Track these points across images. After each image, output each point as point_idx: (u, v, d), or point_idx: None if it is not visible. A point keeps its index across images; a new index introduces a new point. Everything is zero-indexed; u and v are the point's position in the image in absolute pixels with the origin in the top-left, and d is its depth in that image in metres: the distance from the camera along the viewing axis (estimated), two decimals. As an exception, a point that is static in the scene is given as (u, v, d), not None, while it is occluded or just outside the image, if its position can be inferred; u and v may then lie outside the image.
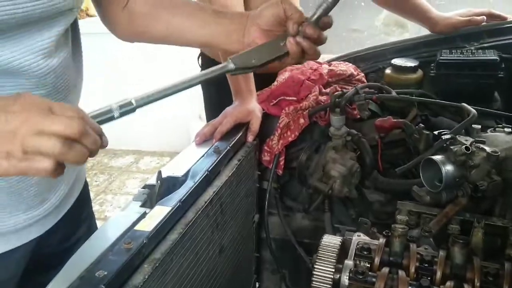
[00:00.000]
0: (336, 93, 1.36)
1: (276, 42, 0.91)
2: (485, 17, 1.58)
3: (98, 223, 1.26)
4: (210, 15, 1.01)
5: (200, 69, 1.81)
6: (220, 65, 0.88)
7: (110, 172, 3.96)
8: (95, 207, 3.38)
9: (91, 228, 1.20)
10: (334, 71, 1.47)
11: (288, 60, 0.92)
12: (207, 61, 1.74)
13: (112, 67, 3.87)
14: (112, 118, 0.72)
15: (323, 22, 0.88)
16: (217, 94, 1.72)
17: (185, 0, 1.06)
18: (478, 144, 1.03)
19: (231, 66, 0.88)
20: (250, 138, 1.28)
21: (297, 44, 0.88)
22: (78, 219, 1.15)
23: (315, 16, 0.87)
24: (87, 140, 0.62)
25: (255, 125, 1.29)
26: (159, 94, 0.79)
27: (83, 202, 1.16)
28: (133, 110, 0.75)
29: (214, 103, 1.77)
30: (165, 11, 1.03)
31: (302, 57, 0.91)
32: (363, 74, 1.53)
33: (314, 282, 0.91)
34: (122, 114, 0.73)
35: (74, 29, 0.99)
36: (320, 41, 0.89)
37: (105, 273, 0.73)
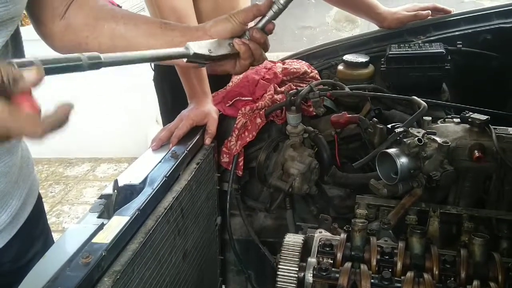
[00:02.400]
0: (291, 91, 1.37)
1: (226, 41, 0.95)
2: (430, 11, 1.63)
3: (56, 236, 1.22)
4: (158, 27, 1.00)
5: (153, 71, 1.78)
6: (178, 49, 0.87)
7: (65, 182, 3.84)
8: (52, 219, 3.27)
9: (47, 243, 1.16)
10: (288, 70, 1.48)
11: (241, 61, 0.96)
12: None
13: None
14: (80, 67, 0.68)
15: (268, 28, 0.96)
16: (172, 98, 1.70)
17: (128, 12, 1.04)
18: (430, 136, 1.06)
19: (190, 51, 0.87)
20: (207, 140, 1.27)
21: (244, 44, 0.93)
22: (33, 235, 1.11)
23: (262, 23, 0.95)
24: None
25: (212, 127, 1.28)
26: (125, 58, 0.76)
27: (37, 217, 1.12)
28: (99, 65, 0.71)
29: (169, 107, 1.75)
30: (107, 23, 1.00)
31: (251, 58, 0.95)
32: (316, 71, 1.55)
33: (278, 282, 0.91)
34: (90, 66, 0.69)
35: (15, 38, 0.95)
36: (265, 45, 0.97)
37: (64, 290, 0.71)
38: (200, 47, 0.89)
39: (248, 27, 0.96)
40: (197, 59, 0.89)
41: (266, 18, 0.95)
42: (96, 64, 0.70)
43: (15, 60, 0.60)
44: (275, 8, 0.94)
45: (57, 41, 1.03)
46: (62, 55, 0.67)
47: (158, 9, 1.41)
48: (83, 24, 1.00)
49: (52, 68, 0.65)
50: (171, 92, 1.68)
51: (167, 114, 1.80)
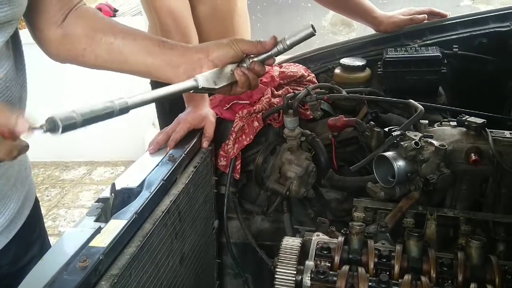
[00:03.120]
0: (288, 94, 1.38)
1: (227, 69, 0.98)
2: (426, 15, 1.64)
3: (52, 240, 1.22)
4: (156, 45, 1.00)
5: (150, 85, 1.77)
6: (187, 82, 0.91)
7: (62, 186, 3.83)
8: (48, 223, 3.26)
9: (44, 246, 1.16)
10: (285, 73, 1.49)
11: (237, 89, 1.00)
12: None
13: (60, 76, 3.74)
14: (112, 114, 0.73)
15: (268, 62, 1.00)
16: (169, 101, 1.70)
17: (127, 26, 1.04)
18: (427, 139, 1.06)
19: (199, 85, 0.91)
20: (205, 144, 1.27)
21: (244, 75, 0.97)
22: (30, 238, 1.11)
23: (263, 56, 0.98)
24: None
25: (209, 131, 1.28)
26: (146, 99, 0.80)
27: (34, 220, 1.12)
28: (128, 109, 0.76)
29: (166, 110, 1.74)
30: (105, 36, 0.99)
31: (248, 87, 0.99)
32: (313, 75, 1.55)
33: (276, 285, 0.91)
34: (120, 112, 0.74)
35: (15, 41, 0.95)
36: (263, 75, 1.02)
37: (61, 294, 0.71)
38: (207, 80, 0.93)
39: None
40: (202, 91, 0.94)
41: (269, 53, 0.97)
42: (125, 109, 0.75)
43: (59, 115, 0.64)
44: (280, 47, 0.96)
45: (53, 49, 1.02)
46: (98, 105, 0.71)
47: (155, 12, 1.41)
48: (82, 36, 0.99)
49: (89, 119, 0.69)
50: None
51: (164, 117, 1.79)
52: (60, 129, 0.64)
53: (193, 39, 1.45)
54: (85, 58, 1.01)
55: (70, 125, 0.65)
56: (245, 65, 0.99)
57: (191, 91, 0.92)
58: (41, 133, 0.64)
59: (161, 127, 1.70)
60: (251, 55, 0.99)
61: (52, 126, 0.64)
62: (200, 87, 0.91)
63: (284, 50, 0.97)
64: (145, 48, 0.99)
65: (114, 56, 0.99)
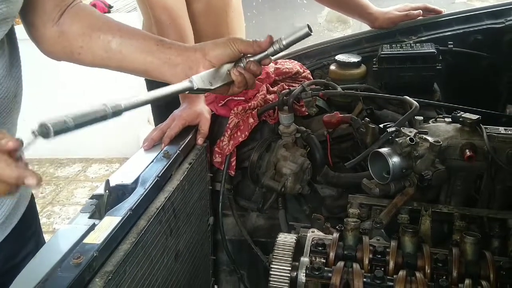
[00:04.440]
0: (284, 91, 1.37)
1: (223, 69, 0.98)
2: (421, 11, 1.64)
3: (47, 237, 1.21)
4: (154, 44, 1.00)
5: (145, 81, 1.76)
6: (182, 83, 0.90)
7: (56, 183, 3.82)
8: (42, 220, 3.25)
9: (39, 243, 1.15)
10: (280, 70, 1.48)
11: (234, 88, 1.00)
12: None
13: (56, 73, 3.72)
14: (105, 117, 0.73)
15: (264, 62, 1.00)
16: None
17: (125, 25, 1.03)
18: (422, 135, 1.06)
19: (194, 85, 0.91)
20: (200, 140, 1.27)
21: (241, 74, 0.97)
22: (25, 235, 1.10)
23: (259, 56, 0.98)
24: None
25: (204, 127, 1.28)
26: (140, 101, 0.80)
27: (30, 218, 1.11)
28: (121, 112, 0.76)
29: (161, 107, 1.74)
30: (102, 34, 0.99)
31: (245, 86, 0.99)
32: (308, 71, 1.55)
33: (271, 282, 0.91)
34: (113, 114, 0.75)
35: (10, 37, 0.94)
36: (260, 74, 1.02)
37: (55, 291, 0.70)
38: (202, 80, 0.93)
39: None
40: (198, 91, 0.93)
41: (265, 53, 0.98)
42: (118, 112, 0.75)
43: (49, 121, 0.65)
44: (276, 46, 0.97)
45: (49, 46, 1.02)
46: (90, 108, 0.71)
47: (150, 8, 1.40)
48: (78, 34, 0.99)
49: (82, 123, 0.70)
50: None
51: (159, 114, 1.79)
52: (52, 134, 0.65)
53: (189, 36, 1.44)
54: (81, 56, 1.01)
55: (62, 130, 0.67)
56: (241, 64, 0.99)
57: (186, 92, 0.92)
58: (33, 139, 0.66)
59: (156, 123, 1.69)
60: (248, 55, 0.99)
61: (44, 131, 0.65)
62: (195, 88, 0.91)
63: (280, 50, 0.97)
64: (143, 46, 0.99)
65: (111, 54, 0.99)
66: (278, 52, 0.98)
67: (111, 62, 1.01)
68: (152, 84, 1.74)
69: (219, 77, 0.98)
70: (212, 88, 0.96)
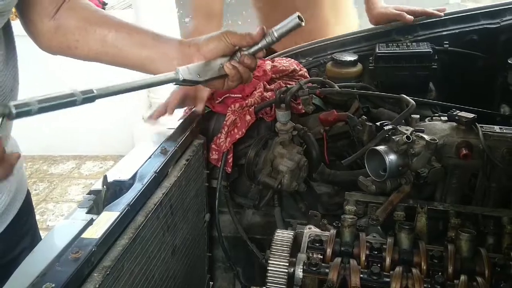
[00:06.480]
0: (281, 89, 1.38)
1: (216, 62, 0.98)
2: (412, 18, 1.61)
3: (41, 234, 1.21)
4: (150, 38, 1.00)
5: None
6: (168, 74, 0.89)
7: (50, 180, 3.80)
8: (36, 217, 3.23)
9: (35, 239, 1.15)
10: (277, 67, 1.48)
11: (229, 82, 1.00)
12: None
13: (53, 68, 3.70)
14: (74, 103, 0.72)
15: (258, 55, 1.00)
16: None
17: (121, 19, 1.03)
18: (418, 133, 1.07)
19: (180, 77, 0.90)
20: (199, 106, 1.27)
21: (234, 68, 0.97)
22: (21, 231, 1.10)
23: (253, 49, 0.98)
24: None
25: (202, 93, 1.28)
26: (118, 89, 0.78)
27: (26, 213, 1.11)
28: (93, 98, 0.74)
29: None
30: (99, 28, 0.99)
31: (240, 80, 0.99)
32: (305, 69, 1.55)
33: (269, 277, 0.92)
34: (84, 100, 0.73)
35: (6, 32, 0.94)
36: (254, 68, 1.01)
37: (53, 285, 0.70)
38: (189, 72, 0.92)
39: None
40: (185, 83, 0.92)
41: (259, 46, 0.98)
42: (89, 98, 0.73)
43: (12, 103, 0.64)
44: (268, 39, 0.97)
45: (45, 41, 1.02)
46: (56, 93, 0.69)
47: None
48: (75, 27, 0.99)
49: (48, 106, 0.68)
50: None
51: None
52: (14, 115, 0.65)
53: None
54: (77, 50, 1.01)
55: (24, 112, 0.66)
56: (236, 58, 0.99)
57: (173, 83, 0.91)
58: None
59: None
60: (243, 48, 0.99)
61: (6, 112, 0.65)
62: (181, 79, 0.90)
63: (273, 42, 0.97)
64: (138, 41, 0.99)
65: (108, 49, 0.99)
66: (271, 44, 0.98)
67: (107, 56, 1.01)
68: None
69: (209, 69, 0.97)
70: (201, 80, 0.95)
